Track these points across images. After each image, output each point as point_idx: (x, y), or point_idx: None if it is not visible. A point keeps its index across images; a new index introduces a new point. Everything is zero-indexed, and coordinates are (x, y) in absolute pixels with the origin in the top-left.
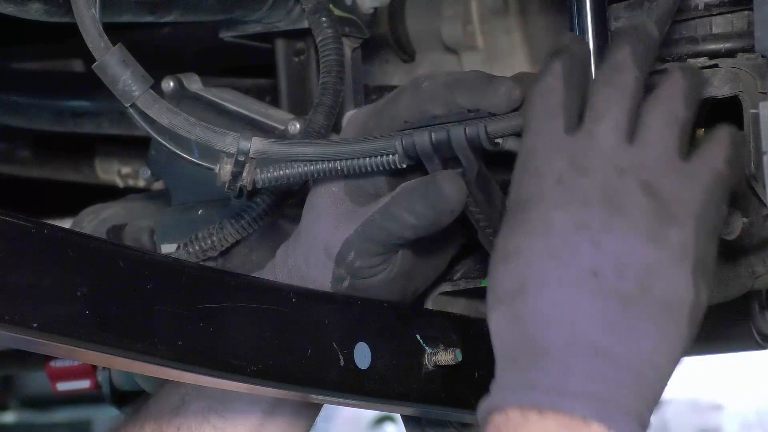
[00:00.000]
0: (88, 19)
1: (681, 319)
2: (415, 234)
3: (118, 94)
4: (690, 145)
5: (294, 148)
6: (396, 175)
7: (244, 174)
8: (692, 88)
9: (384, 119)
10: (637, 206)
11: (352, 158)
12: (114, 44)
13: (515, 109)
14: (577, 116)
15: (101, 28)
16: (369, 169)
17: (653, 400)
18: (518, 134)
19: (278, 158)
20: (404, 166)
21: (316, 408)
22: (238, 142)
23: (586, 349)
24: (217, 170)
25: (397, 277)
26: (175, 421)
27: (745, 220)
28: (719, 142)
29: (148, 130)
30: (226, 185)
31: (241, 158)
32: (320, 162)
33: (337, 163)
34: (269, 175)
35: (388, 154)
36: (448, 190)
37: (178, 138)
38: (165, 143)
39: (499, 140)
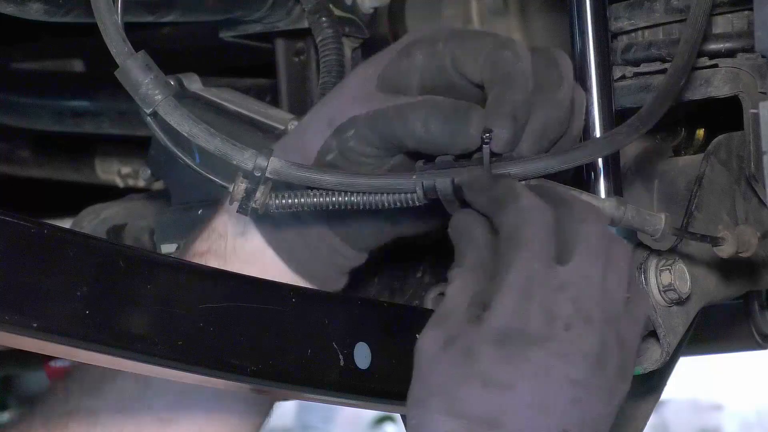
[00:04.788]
0: (111, 25)
1: None
2: (416, 146)
3: (140, 98)
4: (689, 147)
5: (312, 174)
6: (429, 83)
7: (258, 194)
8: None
9: (398, 74)
10: (614, 363)
11: (370, 192)
12: None
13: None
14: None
15: (124, 34)
16: (386, 205)
17: None
18: (543, 176)
19: (294, 182)
20: (421, 204)
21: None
22: (255, 158)
23: None
24: (231, 189)
25: None
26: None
27: (758, 234)
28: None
29: (164, 139)
30: (239, 205)
31: (258, 174)
32: (337, 195)
33: (354, 197)
34: (283, 201)
35: (406, 192)
36: (474, 130)
37: (179, 142)
38: (182, 156)
39: (523, 183)
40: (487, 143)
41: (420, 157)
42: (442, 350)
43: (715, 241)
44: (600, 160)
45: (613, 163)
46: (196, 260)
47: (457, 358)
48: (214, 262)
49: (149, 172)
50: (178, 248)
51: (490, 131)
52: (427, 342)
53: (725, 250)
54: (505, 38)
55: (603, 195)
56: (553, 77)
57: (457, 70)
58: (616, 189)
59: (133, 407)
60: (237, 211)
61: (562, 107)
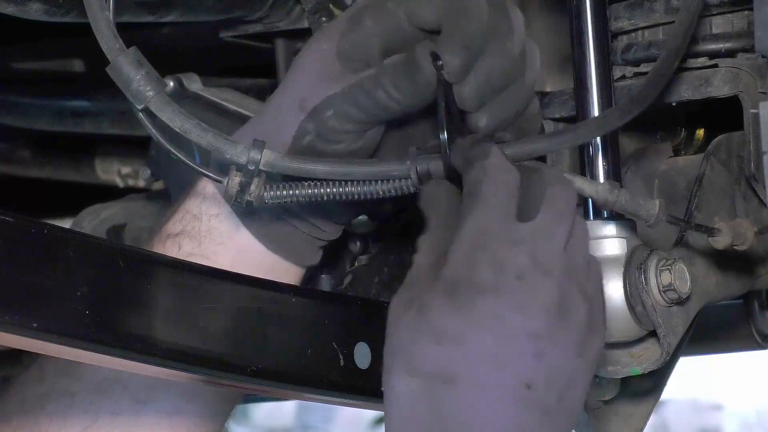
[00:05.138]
0: (102, 21)
1: (575, 419)
2: (400, 108)
3: (131, 95)
4: (689, 147)
5: (305, 164)
6: (389, 46)
7: (252, 187)
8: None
9: (356, 46)
10: (579, 315)
11: (363, 180)
12: None
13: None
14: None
15: (115, 30)
16: (380, 194)
17: None
18: (538, 158)
19: (288, 173)
20: (416, 191)
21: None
22: (248, 152)
23: None
24: (225, 183)
25: (356, 152)
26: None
27: (755, 229)
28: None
29: (156, 135)
30: (233, 198)
31: (252, 167)
32: (331, 185)
33: (348, 187)
34: (277, 193)
35: (400, 179)
36: (425, 65)
37: (179, 141)
38: (174, 151)
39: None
40: (440, 72)
41: (395, 125)
42: (404, 311)
43: (710, 232)
44: (599, 143)
45: (611, 146)
46: (169, 242)
47: (412, 315)
48: (187, 244)
49: (149, 172)
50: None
51: (438, 58)
52: (393, 306)
53: (720, 241)
54: None
55: (602, 179)
56: (502, 27)
57: (413, 23)
58: (615, 172)
59: (109, 388)
60: (232, 205)
61: (510, 58)
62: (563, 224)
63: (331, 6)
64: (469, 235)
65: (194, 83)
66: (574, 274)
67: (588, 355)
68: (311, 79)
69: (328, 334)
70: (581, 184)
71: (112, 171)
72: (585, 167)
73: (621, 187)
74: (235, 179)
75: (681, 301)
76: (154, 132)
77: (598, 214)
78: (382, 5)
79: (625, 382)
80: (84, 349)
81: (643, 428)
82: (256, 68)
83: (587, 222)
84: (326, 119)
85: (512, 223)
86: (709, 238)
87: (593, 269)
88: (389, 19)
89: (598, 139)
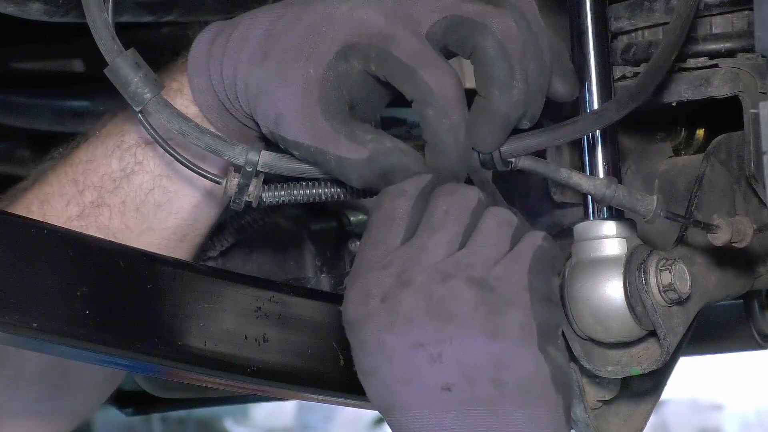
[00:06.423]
0: (101, 23)
1: (547, 390)
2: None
3: (129, 96)
4: (689, 147)
5: (303, 164)
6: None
7: (251, 188)
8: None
9: (338, 97)
10: (466, 305)
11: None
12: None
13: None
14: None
15: (114, 32)
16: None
17: None
18: (537, 153)
19: (286, 173)
20: None
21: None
22: (246, 153)
23: None
24: (223, 184)
25: None
26: (119, 193)
27: (755, 227)
28: (535, 233)
29: (154, 136)
30: (232, 199)
31: (249, 169)
32: (329, 184)
33: (346, 186)
34: (276, 193)
35: None
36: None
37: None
38: (171, 152)
39: (512, 160)
40: None
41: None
42: None
43: (709, 228)
44: (597, 139)
45: (610, 141)
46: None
47: None
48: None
49: None
50: None
51: None
52: None
53: (720, 238)
54: (425, 86)
55: (601, 175)
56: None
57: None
58: (614, 168)
59: None
60: (231, 206)
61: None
62: (437, 233)
63: None
64: (353, 269)
65: None
66: (461, 269)
67: (506, 332)
68: (292, 108)
69: (328, 334)
70: (578, 179)
71: None
72: (584, 163)
73: (616, 182)
74: (233, 180)
75: (681, 301)
76: (153, 133)
77: (598, 214)
78: (366, 61)
79: (625, 382)
80: (84, 349)
81: (643, 428)
82: None
83: (587, 222)
84: (292, 147)
85: (390, 249)
86: (708, 235)
87: (516, 256)
88: (372, 73)
89: (597, 134)
